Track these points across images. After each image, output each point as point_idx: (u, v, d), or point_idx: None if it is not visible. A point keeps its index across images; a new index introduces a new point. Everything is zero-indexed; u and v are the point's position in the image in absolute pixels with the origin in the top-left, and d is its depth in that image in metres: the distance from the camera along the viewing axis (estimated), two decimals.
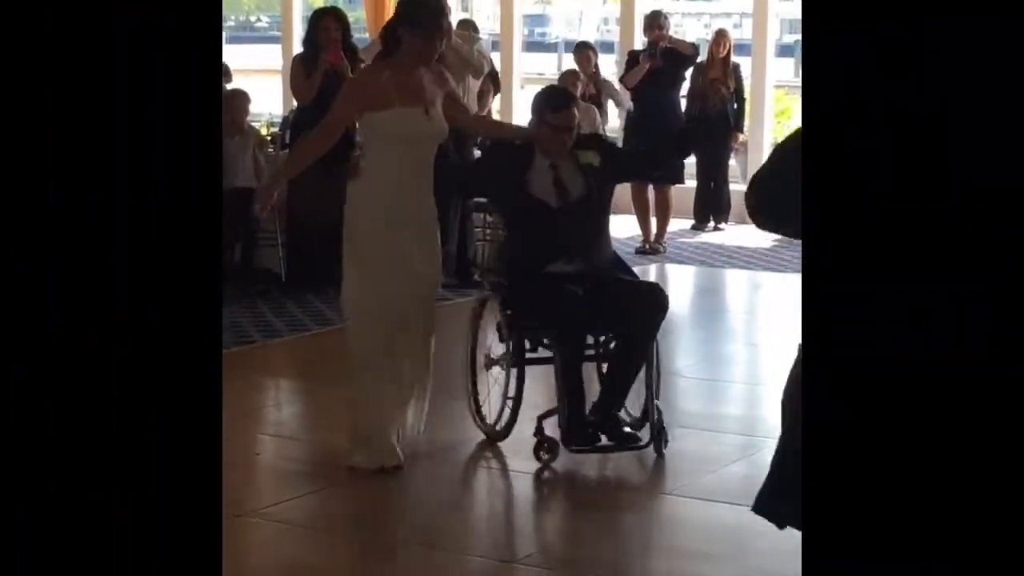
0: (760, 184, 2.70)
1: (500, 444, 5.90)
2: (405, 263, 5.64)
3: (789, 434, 2.67)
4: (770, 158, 2.73)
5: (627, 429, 5.64)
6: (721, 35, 12.10)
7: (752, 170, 12.65)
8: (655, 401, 5.60)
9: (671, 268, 10.64)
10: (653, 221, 11.13)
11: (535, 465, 5.64)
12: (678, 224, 11.74)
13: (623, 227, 11.51)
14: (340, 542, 4.99)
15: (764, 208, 2.68)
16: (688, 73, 11.41)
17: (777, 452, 2.72)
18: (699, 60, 11.41)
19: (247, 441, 6.16)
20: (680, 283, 10.33)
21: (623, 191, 11.08)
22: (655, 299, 5.70)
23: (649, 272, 10.59)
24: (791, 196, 2.40)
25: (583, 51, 11.37)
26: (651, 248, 11.03)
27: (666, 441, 5.65)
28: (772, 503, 2.70)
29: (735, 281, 10.18)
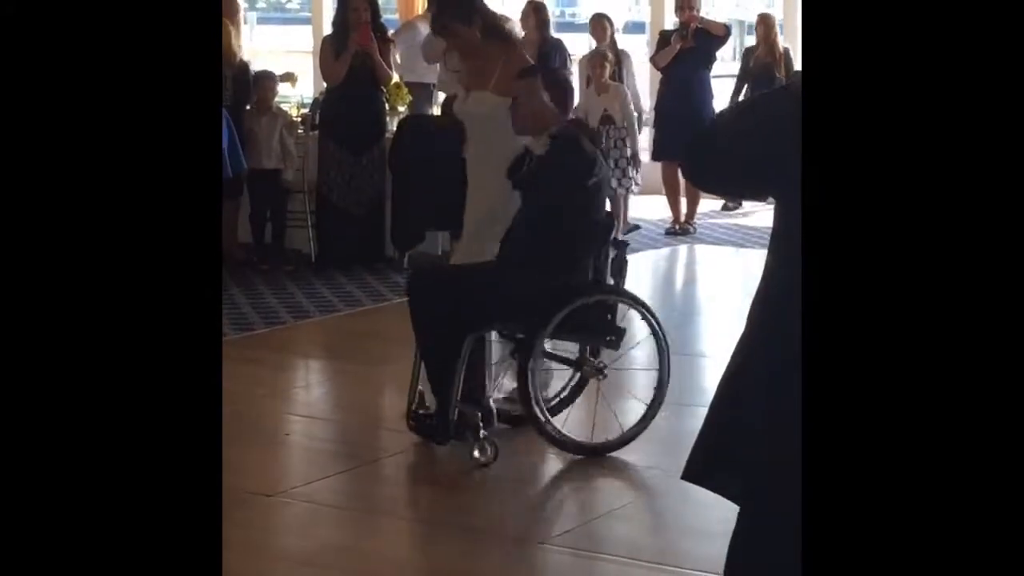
0: (704, 142, 2.67)
1: (523, 429, 5.89)
2: None
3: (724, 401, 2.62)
4: (710, 124, 2.72)
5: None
6: (764, 18, 12.01)
7: None
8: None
9: (701, 248, 10.62)
10: (683, 202, 11.09)
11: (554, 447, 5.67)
12: (708, 205, 11.69)
13: (653, 208, 11.50)
14: (371, 522, 5.01)
15: (695, 168, 2.68)
16: (719, 53, 11.36)
17: (708, 418, 2.66)
18: (749, 45, 11.35)
19: (277, 421, 6.19)
20: (710, 264, 10.31)
21: (653, 170, 11.07)
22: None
23: (679, 253, 10.58)
24: (730, 158, 2.47)
25: (598, 20, 11.30)
26: (681, 229, 11.00)
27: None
28: (709, 470, 2.62)
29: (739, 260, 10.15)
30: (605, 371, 5.73)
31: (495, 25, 5.87)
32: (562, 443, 5.52)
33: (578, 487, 5.41)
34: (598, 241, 5.59)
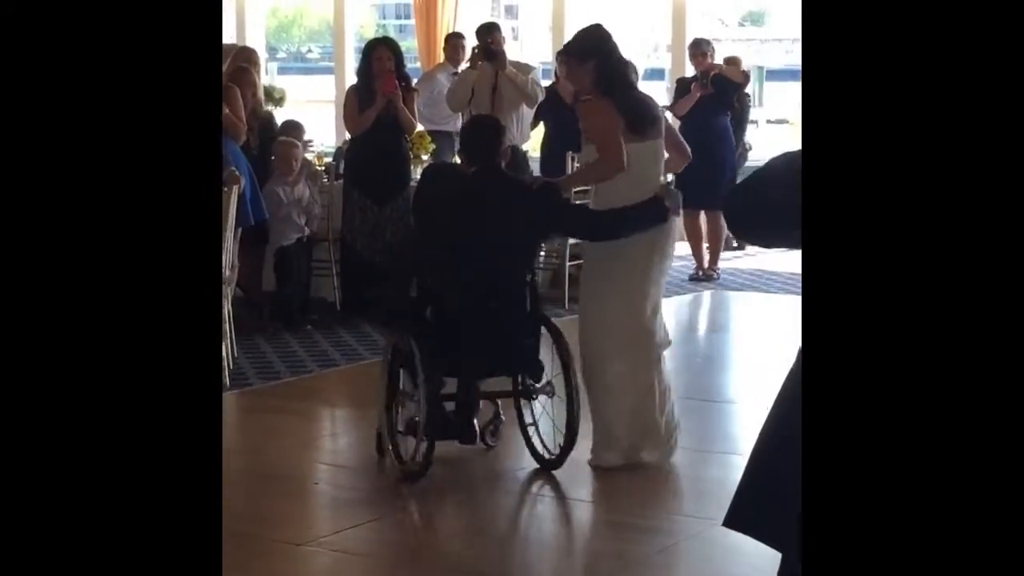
0: (745, 194, 2.69)
1: (556, 473, 5.92)
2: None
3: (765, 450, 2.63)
4: (761, 172, 2.73)
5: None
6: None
7: None
8: None
9: (725, 295, 10.62)
10: (705, 247, 11.11)
11: (592, 490, 5.65)
12: (731, 251, 11.71)
13: (676, 253, 11.48)
14: (401, 571, 5.01)
15: (744, 218, 2.69)
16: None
17: (751, 463, 2.67)
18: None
19: (305, 470, 6.20)
20: (734, 309, 10.31)
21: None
22: None
23: (703, 299, 10.58)
24: (774, 210, 2.48)
25: None
26: (704, 275, 11.02)
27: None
28: (748, 517, 2.63)
29: (790, 308, 10.12)
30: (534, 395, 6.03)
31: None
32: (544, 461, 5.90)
33: (608, 535, 5.39)
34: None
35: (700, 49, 11.12)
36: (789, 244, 2.58)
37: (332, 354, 8.35)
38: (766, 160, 2.70)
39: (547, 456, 5.96)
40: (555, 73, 11.51)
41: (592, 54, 6.09)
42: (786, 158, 2.61)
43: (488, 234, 5.75)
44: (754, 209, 2.59)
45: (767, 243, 2.74)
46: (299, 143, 9.39)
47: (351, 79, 12.16)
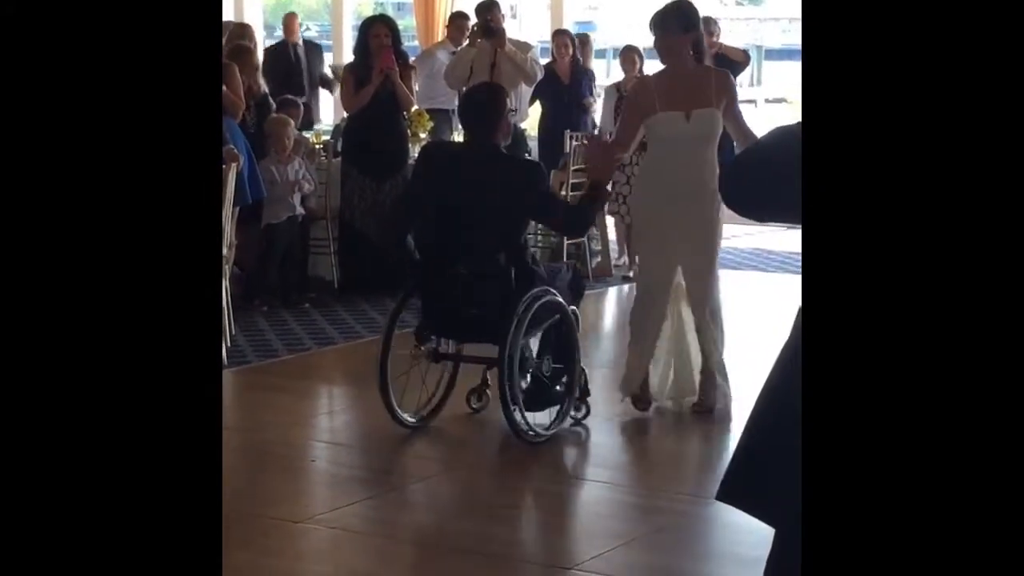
0: (739, 169, 2.69)
1: (552, 450, 5.93)
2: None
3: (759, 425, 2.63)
4: (758, 145, 2.72)
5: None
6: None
7: None
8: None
9: (723, 273, 10.58)
10: None
11: (592, 468, 5.66)
12: (728, 230, 11.67)
13: None
14: (398, 549, 5.01)
15: (739, 193, 2.68)
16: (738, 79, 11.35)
17: (744, 438, 2.66)
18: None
19: (302, 448, 6.20)
20: (731, 288, 10.27)
21: None
22: None
23: None
24: (768, 185, 2.50)
25: (628, 54, 11.34)
26: None
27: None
28: (740, 491, 2.63)
29: (788, 287, 10.12)
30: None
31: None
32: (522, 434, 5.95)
33: (605, 512, 5.39)
34: None
35: (707, 28, 11.05)
36: (784, 219, 2.57)
37: (330, 332, 8.34)
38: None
39: (527, 432, 5.97)
40: (552, 52, 11.52)
41: (694, 27, 6.37)
42: (778, 132, 2.60)
43: (463, 203, 5.90)
44: (749, 184, 2.58)
45: (762, 218, 2.73)
46: (291, 121, 9.29)
47: (348, 57, 12.13)
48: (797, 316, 2.51)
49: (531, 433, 5.97)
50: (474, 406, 6.43)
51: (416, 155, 9.35)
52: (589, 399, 6.38)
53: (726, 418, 6.36)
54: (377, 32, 9.02)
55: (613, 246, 10.70)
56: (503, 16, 10.06)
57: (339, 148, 9.68)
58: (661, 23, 6.37)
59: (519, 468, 5.92)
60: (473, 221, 5.91)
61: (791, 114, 13.88)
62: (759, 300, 9.80)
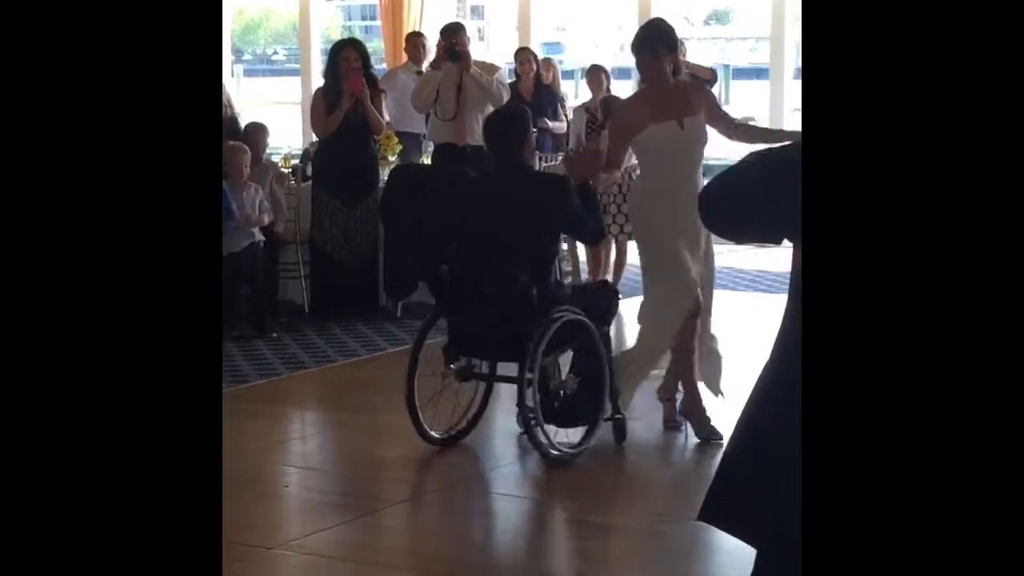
0: (722, 192, 2.71)
1: (520, 472, 5.92)
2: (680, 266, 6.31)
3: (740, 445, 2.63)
4: (735, 169, 2.74)
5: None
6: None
7: None
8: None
9: None
10: None
11: (554, 492, 5.65)
12: None
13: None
14: (372, 573, 4.98)
15: (720, 213, 2.70)
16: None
17: (726, 459, 2.67)
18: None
19: (275, 474, 6.17)
20: None
21: None
22: None
23: None
24: (745, 206, 2.54)
25: (595, 73, 11.36)
26: None
27: None
28: (722, 512, 2.65)
29: (757, 305, 10.13)
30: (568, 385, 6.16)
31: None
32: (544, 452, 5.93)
33: (575, 534, 5.39)
34: None
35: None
36: (760, 239, 2.59)
37: (301, 356, 8.31)
38: (738, 156, 2.71)
39: (551, 451, 5.96)
40: (515, 72, 11.54)
41: (674, 47, 6.57)
42: (754, 157, 2.62)
43: (491, 224, 6.05)
44: (728, 206, 2.60)
45: (738, 239, 2.74)
46: (247, 148, 9.02)
47: (317, 81, 12.13)
48: (777, 338, 2.52)
49: (555, 452, 5.96)
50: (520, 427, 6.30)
51: (386, 178, 9.39)
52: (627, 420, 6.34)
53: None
54: (347, 56, 9.03)
55: (583, 267, 10.69)
56: (468, 39, 10.07)
57: (308, 172, 9.66)
58: (645, 46, 6.47)
59: (487, 491, 5.92)
60: (501, 241, 6.00)
61: None
62: (731, 319, 9.81)
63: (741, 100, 23.60)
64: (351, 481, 6.02)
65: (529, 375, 5.89)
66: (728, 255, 11.99)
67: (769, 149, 2.64)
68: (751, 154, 2.68)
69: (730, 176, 2.67)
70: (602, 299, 6.39)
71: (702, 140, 6.44)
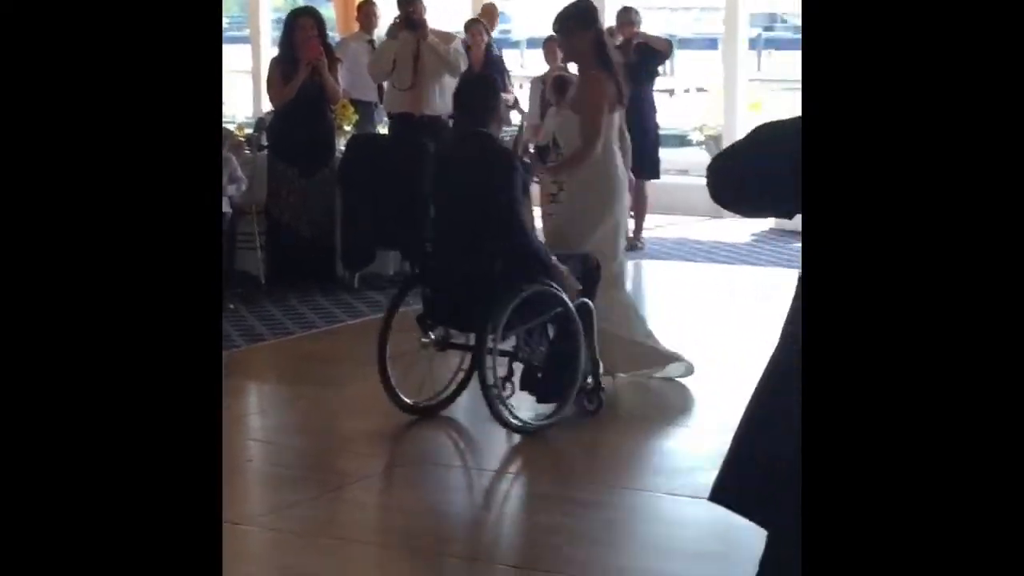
0: (730, 165, 2.68)
1: (489, 446, 5.88)
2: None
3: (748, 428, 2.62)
4: (747, 140, 2.71)
5: None
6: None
7: None
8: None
9: (651, 264, 10.60)
10: (630, 216, 11.07)
11: (525, 466, 5.63)
12: (653, 220, 11.70)
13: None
14: (340, 549, 4.93)
15: (727, 185, 2.67)
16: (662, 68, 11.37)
17: (737, 440, 2.65)
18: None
19: (237, 448, 6.09)
20: (661, 279, 10.30)
21: None
22: None
23: (628, 269, 10.55)
24: (753, 179, 2.52)
25: (551, 45, 11.29)
26: (629, 244, 10.96)
27: None
28: (733, 492, 2.64)
29: (714, 277, 10.15)
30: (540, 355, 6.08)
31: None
32: (505, 423, 5.88)
33: (551, 509, 5.34)
34: None
35: (628, 18, 11.08)
36: (775, 213, 2.56)
37: (259, 328, 8.20)
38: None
39: (512, 421, 5.92)
40: (465, 43, 11.47)
41: (593, 24, 6.58)
42: (773, 126, 2.58)
43: (458, 192, 6.02)
44: (740, 177, 2.56)
45: (749, 212, 2.71)
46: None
47: (267, 49, 12.04)
48: (787, 319, 2.50)
49: (516, 423, 5.91)
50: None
51: (343, 148, 9.30)
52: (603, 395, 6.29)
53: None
54: (303, 24, 8.93)
55: None
56: (425, 8, 9.98)
57: (263, 141, 9.56)
58: (563, 20, 6.58)
59: (456, 466, 5.89)
60: (470, 212, 5.96)
61: (713, 103, 13.91)
62: (689, 291, 9.82)
63: (687, 70, 23.57)
64: (315, 455, 5.96)
65: (490, 348, 5.84)
66: (683, 226, 12.02)
67: (780, 121, 2.59)
68: (765, 124, 2.64)
69: (738, 151, 2.64)
70: (584, 272, 6.30)
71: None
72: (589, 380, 6.17)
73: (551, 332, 6.12)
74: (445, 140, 7.25)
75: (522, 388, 6.05)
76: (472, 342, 6.09)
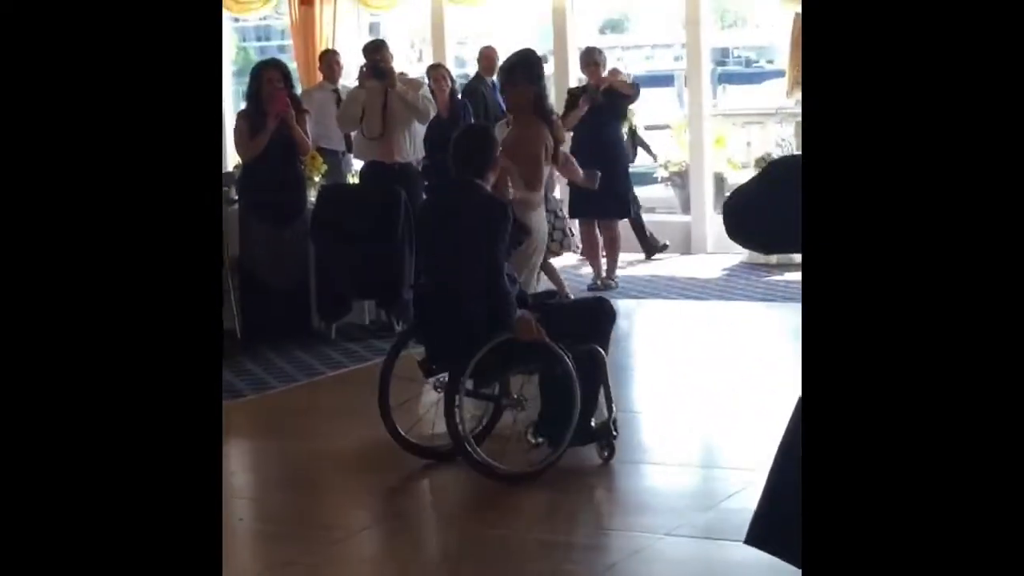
0: (745, 203, 2.68)
1: (476, 495, 5.85)
2: None
3: (783, 468, 2.62)
4: (757, 182, 2.70)
5: None
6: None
7: (693, 199, 12.66)
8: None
9: (625, 303, 10.57)
10: (603, 257, 11.07)
11: (524, 512, 5.59)
12: (625, 258, 11.69)
13: (576, 263, 11.51)
14: None
15: (743, 225, 2.66)
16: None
17: (769, 484, 2.66)
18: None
19: (226, 506, 5.97)
20: (635, 318, 10.27)
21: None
22: None
23: None
24: (771, 217, 2.53)
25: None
26: (603, 284, 10.96)
27: None
28: (764, 534, 2.65)
29: (687, 314, 10.12)
30: (524, 404, 6.02)
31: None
32: (488, 471, 5.82)
33: (549, 556, 5.29)
34: None
35: (592, 59, 11.10)
36: (791, 248, 2.54)
37: (236, 384, 8.07)
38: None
39: (479, 464, 5.85)
40: (429, 87, 11.46)
41: (538, 79, 6.90)
42: (784, 163, 2.58)
43: (447, 241, 6.03)
44: (757, 215, 2.55)
45: (765, 248, 2.70)
46: None
47: (229, 102, 12.02)
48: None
49: (483, 465, 5.84)
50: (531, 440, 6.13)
51: (314, 199, 9.25)
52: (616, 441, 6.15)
53: None
54: (270, 76, 8.90)
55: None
56: (392, 55, 9.97)
57: (233, 196, 9.50)
58: (510, 69, 6.88)
59: (448, 517, 5.86)
60: (461, 261, 5.94)
61: (674, 139, 13.92)
62: (660, 328, 9.81)
63: (641, 107, 23.72)
64: (306, 510, 5.88)
65: (458, 396, 5.81)
66: (656, 265, 12.01)
67: (790, 157, 2.60)
68: (772, 163, 2.64)
69: (753, 189, 2.62)
70: (592, 319, 6.24)
71: None
72: (597, 423, 6.10)
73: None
74: (439, 188, 7.31)
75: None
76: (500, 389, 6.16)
